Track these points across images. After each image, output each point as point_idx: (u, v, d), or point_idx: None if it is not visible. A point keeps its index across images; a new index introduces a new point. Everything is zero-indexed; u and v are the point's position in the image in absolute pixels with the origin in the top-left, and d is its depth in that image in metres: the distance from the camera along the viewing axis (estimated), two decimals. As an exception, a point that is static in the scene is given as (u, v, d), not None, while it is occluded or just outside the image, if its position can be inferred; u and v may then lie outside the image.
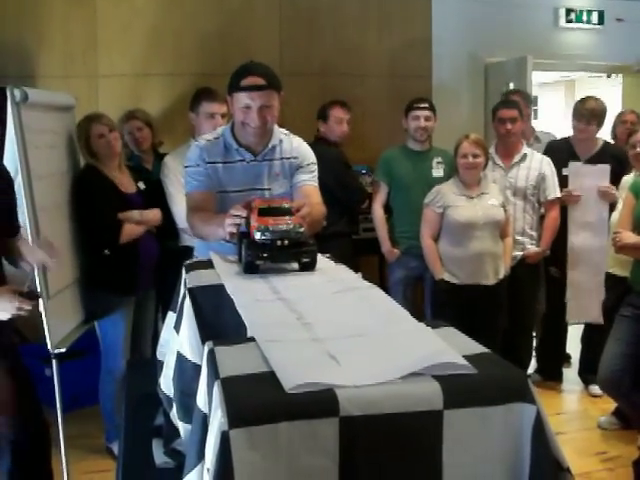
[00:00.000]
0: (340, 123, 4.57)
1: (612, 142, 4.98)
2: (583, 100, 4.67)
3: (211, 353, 1.40)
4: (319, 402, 1.19)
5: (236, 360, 1.35)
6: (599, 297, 4.43)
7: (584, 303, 4.53)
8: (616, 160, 4.46)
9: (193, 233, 2.85)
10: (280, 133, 2.91)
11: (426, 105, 4.47)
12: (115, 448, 3.56)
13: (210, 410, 1.28)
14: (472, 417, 1.26)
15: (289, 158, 2.88)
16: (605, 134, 4.98)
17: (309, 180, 2.90)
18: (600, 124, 4.55)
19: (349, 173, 4.57)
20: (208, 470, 1.19)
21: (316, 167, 2.96)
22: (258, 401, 1.19)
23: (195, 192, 2.83)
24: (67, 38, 4.91)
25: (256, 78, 2.67)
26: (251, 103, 2.69)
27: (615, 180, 4.39)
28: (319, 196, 2.90)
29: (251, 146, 2.83)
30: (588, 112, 4.52)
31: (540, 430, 1.30)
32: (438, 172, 4.41)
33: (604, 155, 4.53)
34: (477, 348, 1.45)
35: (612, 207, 4.29)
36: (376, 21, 5.61)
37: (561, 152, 4.62)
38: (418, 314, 1.66)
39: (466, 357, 1.34)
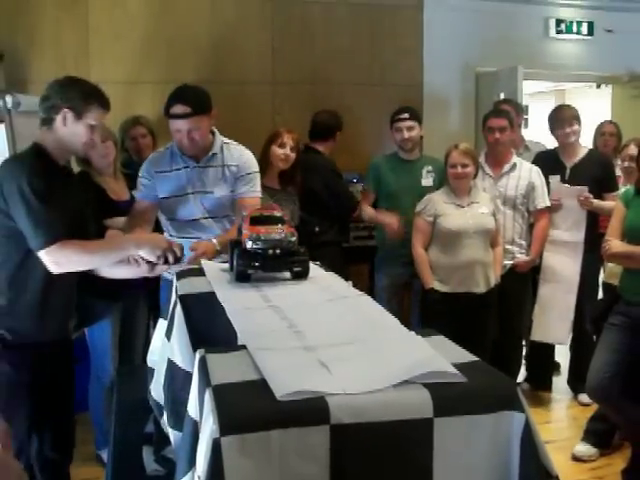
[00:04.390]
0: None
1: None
2: (556, 108, 4.84)
3: (202, 361, 1.41)
4: (310, 410, 1.19)
5: (227, 368, 1.36)
6: (567, 318, 4.51)
7: (550, 322, 4.57)
8: (601, 167, 4.53)
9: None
10: (221, 141, 3.23)
11: (406, 116, 4.43)
12: (105, 455, 3.54)
13: (201, 417, 1.29)
14: (462, 425, 1.27)
15: (230, 166, 3.19)
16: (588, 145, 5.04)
17: (248, 191, 3.20)
18: (580, 124, 4.61)
19: (340, 182, 4.58)
20: (199, 477, 1.20)
21: (257, 176, 3.26)
22: (249, 409, 1.20)
23: (139, 201, 3.28)
24: (59, 44, 4.91)
25: (183, 107, 3.02)
26: (180, 128, 3.04)
27: (601, 186, 4.45)
28: (258, 205, 3.08)
29: (193, 155, 3.17)
30: (567, 115, 4.62)
31: (529, 438, 1.31)
32: (427, 181, 4.42)
33: (590, 162, 4.57)
34: (467, 356, 1.46)
35: (593, 226, 4.36)
36: (368, 30, 5.63)
37: (548, 161, 4.66)
38: (404, 321, 1.67)
39: (456, 365, 1.35)
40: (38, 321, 2.61)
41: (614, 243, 3.35)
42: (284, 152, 4.03)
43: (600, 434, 3.89)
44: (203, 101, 3.11)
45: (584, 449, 3.88)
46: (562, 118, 4.63)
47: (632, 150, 4.07)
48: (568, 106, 4.86)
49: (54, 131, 2.58)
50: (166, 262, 2.63)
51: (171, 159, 3.21)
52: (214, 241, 2.97)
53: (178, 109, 3.03)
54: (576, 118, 4.60)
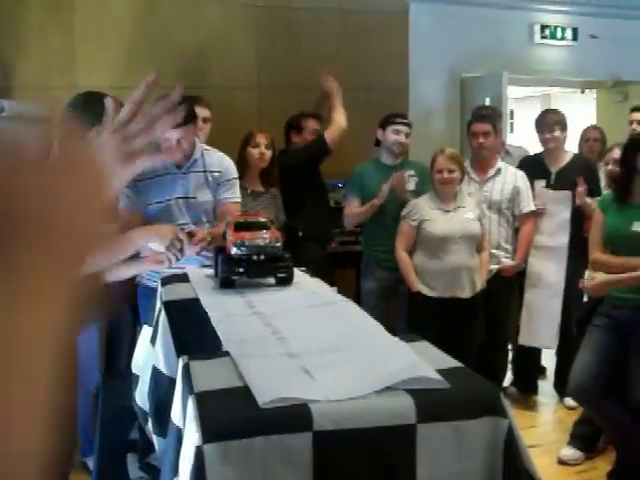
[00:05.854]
0: (315, 134, 4.60)
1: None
2: (542, 113, 4.88)
3: (185, 367, 1.40)
4: (293, 417, 1.20)
5: (211, 375, 1.36)
6: (554, 322, 4.54)
7: (536, 327, 4.61)
8: (586, 171, 4.56)
9: None
10: (201, 148, 3.29)
11: (407, 121, 4.51)
12: (91, 463, 3.52)
13: (184, 424, 1.28)
14: (445, 431, 1.28)
15: (212, 171, 3.25)
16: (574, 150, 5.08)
17: (229, 197, 3.26)
18: (563, 129, 4.64)
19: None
20: (183, 485, 1.20)
21: (237, 182, 3.32)
22: (232, 416, 1.20)
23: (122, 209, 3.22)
24: (44, 50, 4.89)
25: None
26: (169, 137, 3.04)
27: (587, 190, 4.49)
28: (239, 211, 3.15)
29: (176, 161, 3.20)
30: (549, 121, 4.66)
31: (512, 443, 1.32)
32: (410, 185, 4.42)
33: (574, 167, 4.60)
34: (450, 362, 1.47)
35: (578, 231, 4.38)
36: (353, 36, 5.64)
37: (533, 166, 4.69)
38: (390, 326, 1.67)
39: (439, 371, 1.36)
40: None
41: (598, 278, 3.37)
42: (259, 151, 4.10)
43: (586, 438, 3.91)
44: (191, 110, 3.15)
45: (570, 453, 3.89)
46: (543, 124, 4.69)
47: (616, 154, 4.10)
48: (554, 111, 4.89)
49: None
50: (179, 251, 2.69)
51: (152, 166, 3.21)
52: (205, 231, 2.99)
53: None
54: (559, 124, 4.63)
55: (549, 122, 4.65)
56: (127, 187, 3.21)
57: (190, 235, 2.79)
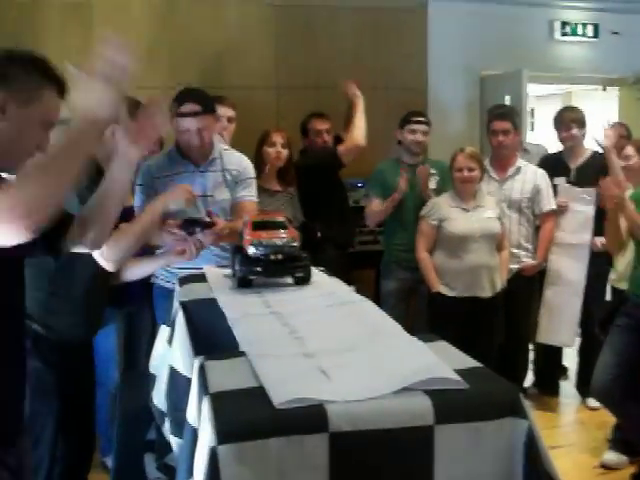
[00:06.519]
0: (319, 135, 4.57)
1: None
2: (559, 111, 4.80)
3: (201, 368, 1.39)
4: (308, 418, 1.18)
5: (226, 375, 1.35)
6: (573, 321, 4.48)
7: (556, 325, 4.54)
8: (606, 168, 4.47)
9: None
10: (221, 147, 3.28)
11: (424, 119, 4.47)
12: (109, 462, 3.53)
13: (200, 425, 1.27)
14: (463, 432, 1.26)
15: (230, 170, 3.22)
16: (600, 149, 5.01)
17: (247, 195, 3.24)
18: (581, 127, 4.58)
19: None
20: (197, 486, 1.19)
21: (255, 182, 3.31)
22: (247, 417, 1.18)
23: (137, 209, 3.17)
24: (63, 50, 4.89)
25: (193, 105, 3.07)
26: (190, 127, 3.07)
27: None
28: (255, 210, 3.19)
29: (194, 159, 3.18)
30: (566, 118, 4.60)
31: (532, 445, 1.29)
32: (431, 184, 4.39)
33: (593, 164, 4.53)
34: (469, 362, 1.45)
35: (601, 228, 4.31)
36: (371, 34, 5.61)
37: (553, 164, 4.64)
38: (410, 326, 1.65)
39: (458, 371, 1.34)
40: (75, 319, 2.59)
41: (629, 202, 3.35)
42: (275, 150, 4.06)
43: (629, 442, 3.81)
44: (211, 101, 3.20)
45: (613, 457, 3.77)
46: (560, 121, 4.64)
47: (629, 151, 4.06)
48: (572, 109, 4.85)
49: None
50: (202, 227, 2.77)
51: (170, 163, 3.22)
52: (225, 222, 2.99)
53: (188, 107, 3.07)
54: (576, 121, 4.57)
55: (566, 120, 4.60)
56: (145, 185, 3.22)
57: (210, 225, 2.81)
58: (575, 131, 4.55)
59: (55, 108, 1.79)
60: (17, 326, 1.80)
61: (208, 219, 2.86)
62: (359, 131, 4.32)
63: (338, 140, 4.56)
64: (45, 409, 2.48)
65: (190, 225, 2.80)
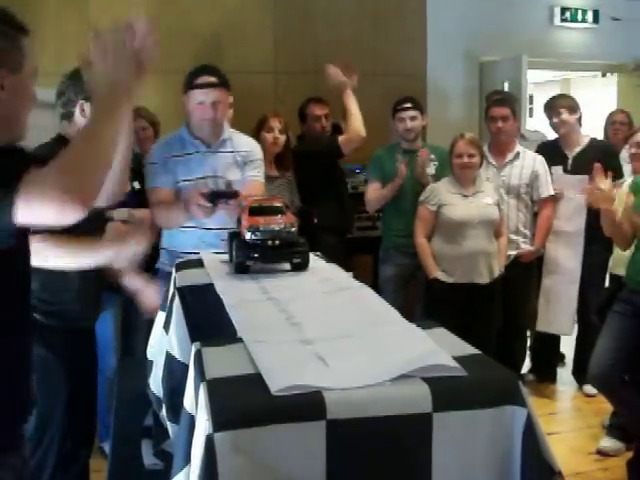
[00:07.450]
0: (317, 120, 4.55)
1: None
2: (549, 99, 4.81)
3: (198, 354, 1.38)
4: (306, 405, 1.17)
5: (223, 361, 1.34)
6: (570, 308, 4.50)
7: (554, 313, 4.56)
8: (604, 155, 4.41)
9: (157, 222, 3.17)
10: (229, 129, 3.29)
11: (409, 105, 4.39)
12: (107, 448, 3.52)
13: (196, 412, 1.27)
14: (462, 420, 1.25)
15: (240, 151, 3.24)
16: (599, 136, 5.00)
17: (256, 175, 3.26)
18: (572, 112, 4.57)
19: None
20: (194, 473, 1.18)
21: (263, 164, 3.33)
22: (244, 404, 1.17)
23: (156, 189, 3.20)
24: (60, 37, 4.87)
25: (209, 77, 3.10)
26: (204, 99, 3.08)
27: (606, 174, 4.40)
28: (263, 190, 3.26)
29: (205, 139, 3.19)
30: (556, 105, 4.60)
31: (531, 433, 1.29)
32: (430, 169, 4.37)
33: (591, 151, 4.51)
34: (468, 349, 1.44)
35: (597, 216, 4.30)
36: (371, 19, 5.58)
37: (550, 152, 4.62)
38: (409, 312, 1.64)
39: (456, 358, 1.33)
40: (77, 305, 2.59)
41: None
42: (273, 135, 4.05)
43: (625, 428, 3.82)
44: (226, 77, 3.20)
45: (610, 444, 3.79)
46: (550, 107, 4.64)
47: (639, 137, 4.02)
48: (562, 95, 4.87)
49: (75, 123, 2.61)
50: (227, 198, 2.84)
51: (182, 144, 3.21)
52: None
53: (204, 78, 3.10)
54: (568, 107, 4.55)
55: (555, 106, 4.59)
56: (157, 163, 3.22)
57: (235, 195, 2.84)
58: (565, 116, 4.53)
59: (33, 53, 1.74)
60: (26, 311, 1.77)
61: (233, 190, 2.94)
62: (358, 121, 4.25)
63: (336, 129, 4.52)
64: (55, 395, 2.48)
65: (216, 197, 2.87)
